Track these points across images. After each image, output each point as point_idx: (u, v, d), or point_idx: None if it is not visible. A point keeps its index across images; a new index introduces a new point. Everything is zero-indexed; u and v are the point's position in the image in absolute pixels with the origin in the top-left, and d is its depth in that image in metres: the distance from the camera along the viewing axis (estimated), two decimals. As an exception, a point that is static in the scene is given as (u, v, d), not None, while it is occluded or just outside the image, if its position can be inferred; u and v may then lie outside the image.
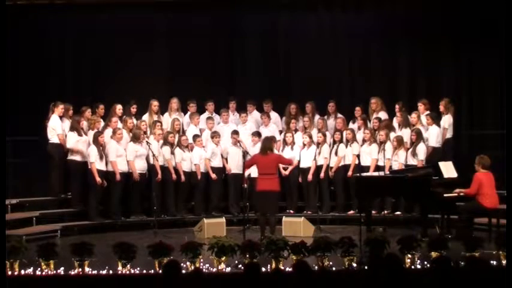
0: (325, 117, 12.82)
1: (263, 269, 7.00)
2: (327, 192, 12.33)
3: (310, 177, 12.18)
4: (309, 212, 12.16)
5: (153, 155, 11.73)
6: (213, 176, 12.26)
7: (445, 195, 10.33)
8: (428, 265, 7.88)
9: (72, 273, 7.98)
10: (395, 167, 11.69)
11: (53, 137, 11.92)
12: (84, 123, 12.18)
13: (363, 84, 13.55)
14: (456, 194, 10.29)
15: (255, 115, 13.04)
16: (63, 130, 11.93)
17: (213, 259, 8.16)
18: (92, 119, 12.09)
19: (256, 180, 10.63)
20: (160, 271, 7.82)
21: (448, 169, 10.69)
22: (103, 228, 11.67)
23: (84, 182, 11.81)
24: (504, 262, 8.01)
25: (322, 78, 13.54)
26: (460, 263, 6.77)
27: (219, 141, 12.38)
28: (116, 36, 13.29)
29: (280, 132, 12.76)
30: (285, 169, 12.20)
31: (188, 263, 8.01)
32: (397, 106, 12.43)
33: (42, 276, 7.93)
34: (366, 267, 7.87)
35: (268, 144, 10.53)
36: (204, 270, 7.90)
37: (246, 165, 10.84)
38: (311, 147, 12.24)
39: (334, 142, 12.26)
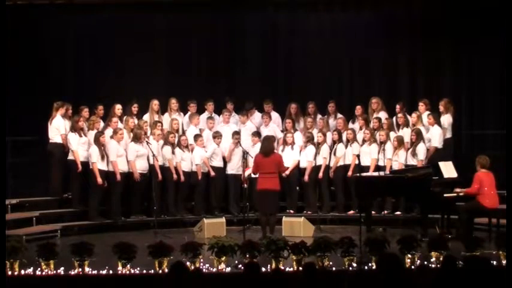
0: (325, 117, 12.82)
1: (263, 269, 7.00)
2: (327, 192, 12.32)
3: (306, 177, 12.19)
4: (309, 212, 12.15)
5: (153, 155, 11.71)
6: (212, 173, 12.25)
7: (445, 195, 10.33)
8: (428, 265, 7.90)
9: (72, 273, 7.99)
10: (396, 167, 11.68)
11: (55, 136, 11.91)
12: (84, 124, 12.17)
13: (363, 84, 13.55)
14: (456, 194, 10.30)
15: (255, 116, 13.03)
16: (66, 130, 11.94)
17: (213, 259, 8.17)
18: (92, 120, 12.09)
19: (256, 179, 10.63)
20: (160, 271, 7.87)
21: (448, 169, 10.69)
22: (103, 228, 11.64)
23: (85, 182, 11.81)
24: (504, 262, 8.01)
25: (322, 78, 13.55)
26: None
27: (220, 141, 12.37)
28: (115, 36, 13.28)
29: (281, 131, 12.75)
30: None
31: (188, 263, 8.00)
32: (397, 106, 12.42)
33: (42, 276, 7.94)
34: (365, 267, 7.89)
35: (269, 145, 10.67)
36: (204, 270, 7.90)
37: (254, 171, 10.75)
38: (310, 147, 12.23)
39: (334, 142, 12.27)
